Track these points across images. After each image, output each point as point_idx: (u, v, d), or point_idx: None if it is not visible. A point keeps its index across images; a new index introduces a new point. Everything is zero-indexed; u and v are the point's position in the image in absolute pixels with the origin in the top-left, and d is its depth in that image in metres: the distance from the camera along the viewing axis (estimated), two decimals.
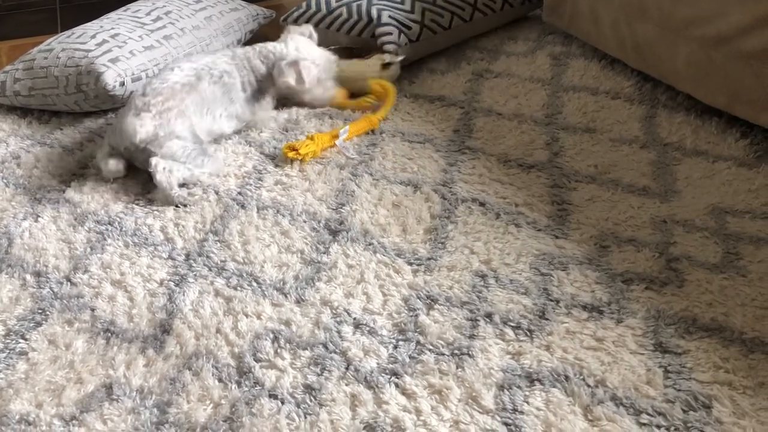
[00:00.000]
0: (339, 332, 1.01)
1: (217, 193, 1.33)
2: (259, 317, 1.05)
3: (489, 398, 0.90)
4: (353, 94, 1.62)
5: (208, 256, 1.17)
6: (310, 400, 0.91)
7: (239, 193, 1.32)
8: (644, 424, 0.86)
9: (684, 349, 0.96)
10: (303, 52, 1.51)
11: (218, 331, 1.03)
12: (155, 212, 1.29)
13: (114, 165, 1.35)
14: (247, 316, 1.05)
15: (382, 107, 1.55)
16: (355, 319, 1.03)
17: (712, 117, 1.47)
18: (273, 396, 0.92)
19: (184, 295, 1.09)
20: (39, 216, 1.29)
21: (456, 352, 0.97)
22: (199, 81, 1.41)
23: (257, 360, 0.97)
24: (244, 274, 1.13)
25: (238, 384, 0.94)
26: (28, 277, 1.15)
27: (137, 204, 1.31)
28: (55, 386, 0.96)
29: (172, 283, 1.12)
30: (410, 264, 1.13)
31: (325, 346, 0.99)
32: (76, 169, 1.43)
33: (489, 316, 1.02)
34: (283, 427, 0.88)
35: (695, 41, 1.42)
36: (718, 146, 1.39)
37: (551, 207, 1.26)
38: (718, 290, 1.05)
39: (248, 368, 0.96)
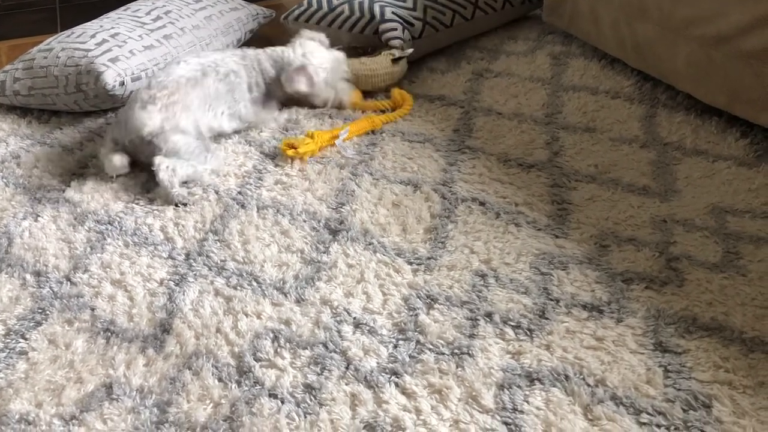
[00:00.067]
0: (339, 332, 1.01)
1: (217, 192, 1.33)
2: (259, 317, 1.05)
3: (489, 398, 0.90)
4: (365, 93, 1.63)
5: (208, 256, 1.17)
6: (310, 400, 0.91)
7: (239, 193, 1.32)
8: (644, 424, 0.86)
9: (684, 348, 0.96)
10: (310, 56, 1.51)
11: (218, 330, 1.03)
12: (155, 212, 1.29)
13: (119, 160, 1.35)
14: (247, 315, 1.05)
15: (393, 113, 1.55)
16: (355, 318, 1.03)
17: (712, 116, 1.47)
18: (273, 395, 0.92)
19: (184, 294, 1.09)
20: (39, 215, 1.29)
21: (456, 351, 0.97)
22: (205, 77, 1.41)
23: (257, 359, 0.97)
24: (244, 274, 1.13)
25: (238, 383, 0.94)
26: (28, 276, 1.15)
27: (137, 204, 1.31)
28: (55, 386, 0.96)
29: (172, 283, 1.12)
30: (410, 263, 1.13)
31: (325, 346, 0.99)
32: (76, 168, 1.43)
33: (489, 315, 1.02)
34: (283, 426, 0.88)
35: (695, 41, 1.42)
36: (718, 146, 1.39)
37: (551, 206, 1.26)
38: (718, 290, 1.05)
39: (248, 368, 0.96)
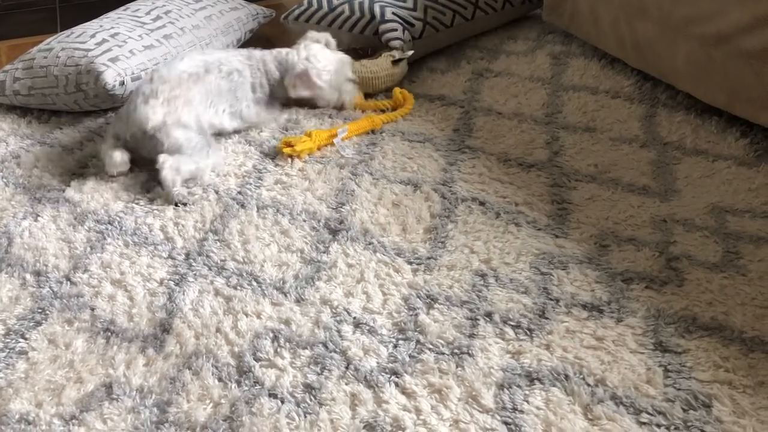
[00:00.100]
0: (339, 331, 1.01)
1: (216, 192, 1.33)
2: (258, 316, 1.05)
3: (489, 397, 0.90)
4: (366, 94, 1.63)
5: (207, 256, 1.17)
6: (310, 400, 0.91)
7: (239, 193, 1.32)
8: (644, 423, 0.86)
9: (684, 348, 0.96)
10: (313, 59, 1.51)
11: (218, 330, 1.03)
12: (155, 211, 1.29)
13: (119, 157, 1.35)
14: (246, 315, 1.05)
15: (394, 112, 1.55)
16: (354, 318, 1.03)
17: (711, 116, 1.47)
18: (273, 395, 0.92)
19: (183, 294, 1.09)
20: (39, 215, 1.29)
21: (456, 351, 0.97)
22: (207, 73, 1.42)
23: (257, 359, 0.97)
24: (244, 274, 1.13)
25: (238, 383, 0.94)
26: (27, 276, 1.15)
27: (137, 203, 1.31)
28: (55, 385, 0.96)
29: (172, 283, 1.12)
30: (410, 263, 1.13)
31: (325, 346, 0.99)
32: (76, 168, 1.43)
33: (489, 315, 1.02)
34: (282, 426, 0.88)
35: (695, 40, 1.42)
36: (718, 145, 1.39)
37: (551, 206, 1.26)
38: (718, 289, 1.05)
39: (248, 367, 0.96)
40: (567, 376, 0.92)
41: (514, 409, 0.88)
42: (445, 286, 1.08)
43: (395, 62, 1.64)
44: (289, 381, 0.94)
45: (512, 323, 1.01)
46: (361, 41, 1.76)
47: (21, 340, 1.03)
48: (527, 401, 0.90)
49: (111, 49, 1.55)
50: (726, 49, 1.36)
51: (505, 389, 0.91)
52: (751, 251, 1.12)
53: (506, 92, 1.64)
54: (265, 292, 1.09)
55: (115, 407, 0.92)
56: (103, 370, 0.97)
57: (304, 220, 1.24)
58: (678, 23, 1.45)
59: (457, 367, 0.95)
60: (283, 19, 1.87)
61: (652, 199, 1.26)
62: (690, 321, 1.00)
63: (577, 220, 1.22)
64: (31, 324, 1.06)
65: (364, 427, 0.87)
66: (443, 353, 0.97)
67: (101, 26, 1.63)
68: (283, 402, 0.91)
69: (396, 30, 1.69)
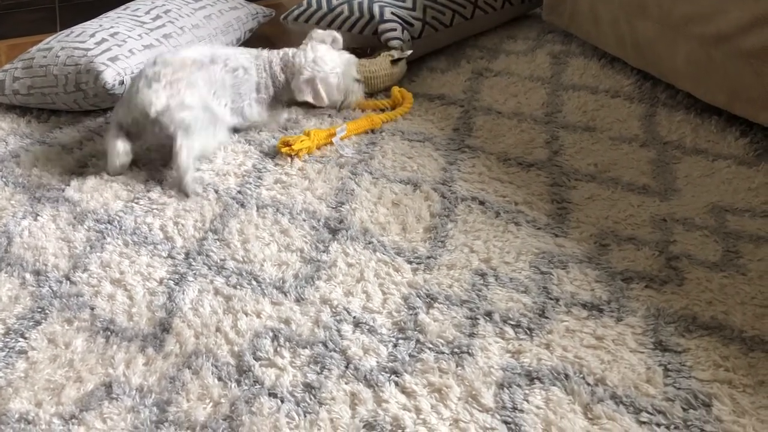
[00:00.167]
0: (339, 331, 1.01)
1: (216, 191, 1.33)
2: (258, 316, 1.05)
3: (489, 397, 0.90)
4: (365, 94, 1.62)
5: (207, 255, 1.17)
6: (310, 399, 0.91)
7: (239, 192, 1.32)
8: (644, 423, 0.86)
9: (684, 347, 0.96)
10: (321, 62, 1.49)
11: (218, 329, 1.02)
12: (155, 211, 1.28)
13: (122, 147, 1.34)
14: (246, 314, 1.05)
15: (393, 111, 1.55)
16: (354, 317, 1.03)
17: (711, 115, 1.47)
18: (273, 395, 0.92)
19: (183, 293, 1.09)
20: (38, 215, 1.29)
21: (456, 350, 0.97)
22: (213, 64, 1.41)
23: (257, 358, 0.97)
24: (244, 273, 1.13)
25: (238, 383, 0.94)
26: (27, 275, 1.15)
27: (137, 203, 1.31)
28: (55, 385, 0.96)
29: (172, 282, 1.12)
30: (410, 262, 1.13)
31: (325, 345, 0.99)
32: (76, 167, 1.43)
33: (489, 314, 1.02)
34: (282, 425, 0.88)
35: (695, 39, 1.42)
36: (718, 145, 1.39)
37: (551, 205, 1.26)
38: (718, 288, 1.05)
39: (248, 367, 0.96)
40: (567, 376, 0.92)
41: (514, 409, 0.88)
42: (445, 285, 1.08)
43: (394, 62, 1.64)
44: (289, 380, 0.94)
45: (512, 322, 1.01)
46: (360, 41, 1.76)
47: (21, 339, 1.03)
48: (527, 400, 0.90)
49: (110, 48, 1.55)
50: (726, 48, 1.36)
51: (505, 388, 0.91)
52: (751, 250, 1.12)
53: (506, 91, 1.64)
54: (265, 291, 1.09)
55: (114, 406, 0.92)
56: (102, 370, 0.97)
57: (304, 220, 1.24)
58: (678, 22, 1.45)
59: (456, 366, 0.95)
60: (283, 20, 1.87)
61: (652, 199, 1.26)
62: (690, 320, 1.00)
63: (577, 220, 1.22)
64: (31, 323, 1.06)
65: (364, 427, 0.87)
66: (443, 352, 0.97)
67: (101, 25, 1.63)
68: (282, 401, 0.91)
69: (395, 30, 1.69)
